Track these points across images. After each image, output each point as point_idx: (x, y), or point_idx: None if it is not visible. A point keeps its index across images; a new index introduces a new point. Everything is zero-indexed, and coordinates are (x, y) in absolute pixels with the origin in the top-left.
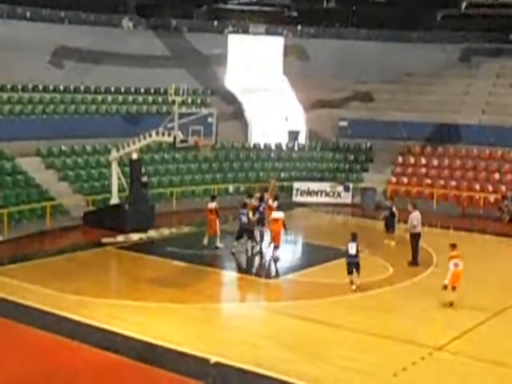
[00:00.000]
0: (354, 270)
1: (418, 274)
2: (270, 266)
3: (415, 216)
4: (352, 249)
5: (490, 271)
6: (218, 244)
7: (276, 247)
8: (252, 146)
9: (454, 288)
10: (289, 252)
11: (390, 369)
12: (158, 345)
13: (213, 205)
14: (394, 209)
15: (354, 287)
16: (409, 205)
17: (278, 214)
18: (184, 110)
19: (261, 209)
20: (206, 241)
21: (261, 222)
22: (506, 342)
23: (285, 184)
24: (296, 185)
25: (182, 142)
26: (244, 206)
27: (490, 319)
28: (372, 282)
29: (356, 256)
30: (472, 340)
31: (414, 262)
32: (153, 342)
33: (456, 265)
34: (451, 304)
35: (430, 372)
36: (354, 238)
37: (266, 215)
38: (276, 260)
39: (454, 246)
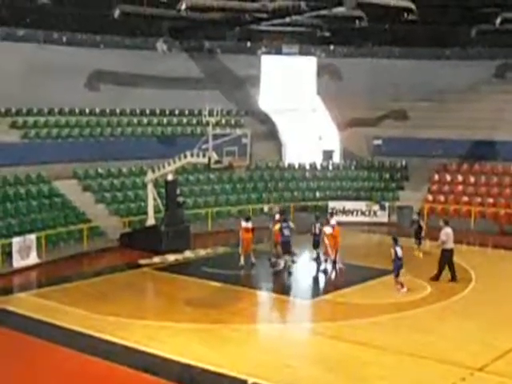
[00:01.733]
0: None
1: (456, 292)
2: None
3: (445, 232)
4: (399, 252)
5: None
6: (253, 259)
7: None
8: (286, 165)
9: None
10: (325, 272)
11: None
12: (196, 366)
13: (249, 224)
14: (422, 223)
15: (405, 289)
16: (441, 221)
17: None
18: (218, 131)
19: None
20: (242, 260)
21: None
22: None
23: (319, 203)
24: (331, 204)
25: (217, 162)
26: (285, 219)
27: None
28: (410, 301)
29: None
30: None
31: (437, 276)
32: (190, 363)
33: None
34: None
35: None
36: (396, 241)
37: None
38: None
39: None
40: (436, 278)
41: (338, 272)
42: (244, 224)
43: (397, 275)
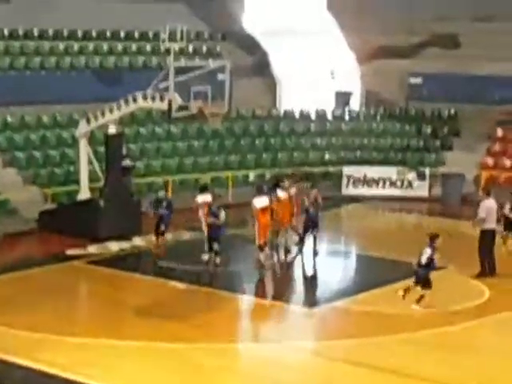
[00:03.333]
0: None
1: None
2: None
3: (485, 206)
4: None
5: None
6: (204, 256)
7: None
8: (282, 114)
9: None
10: (338, 269)
11: None
12: None
13: (207, 197)
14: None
15: (418, 307)
16: (480, 190)
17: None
18: (183, 62)
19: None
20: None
21: None
22: None
23: (330, 169)
24: (347, 170)
25: (181, 109)
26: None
27: None
28: (458, 311)
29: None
30: None
31: (482, 271)
32: None
33: None
34: None
35: None
36: (434, 239)
37: None
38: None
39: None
40: (482, 273)
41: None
42: (200, 198)
43: (421, 283)
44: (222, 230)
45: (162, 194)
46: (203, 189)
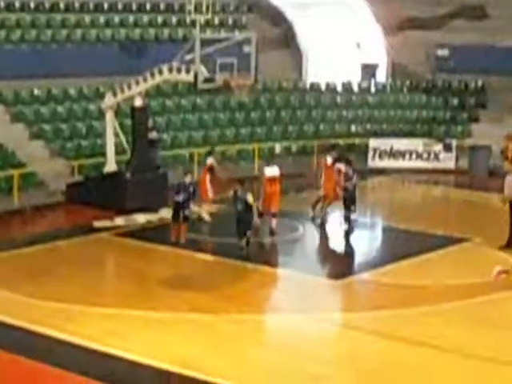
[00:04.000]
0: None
1: None
2: None
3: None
4: None
5: None
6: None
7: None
8: (308, 86)
9: None
10: (364, 241)
11: None
12: (176, 373)
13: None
14: None
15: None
16: (505, 163)
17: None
18: (209, 34)
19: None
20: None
21: None
22: None
23: (356, 142)
24: (373, 143)
25: (207, 81)
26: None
27: None
28: (487, 282)
29: None
30: None
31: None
32: (168, 368)
33: None
34: None
35: None
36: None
37: None
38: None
39: None
40: (508, 243)
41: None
42: (210, 160)
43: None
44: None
45: (188, 179)
46: (209, 152)
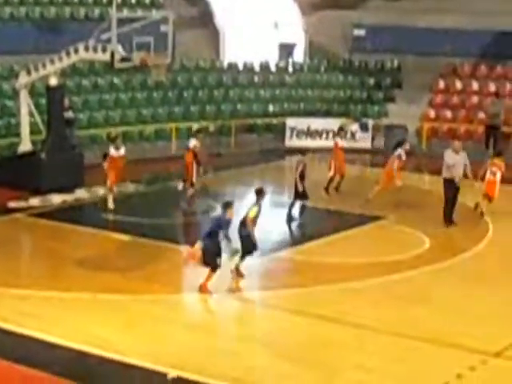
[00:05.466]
0: None
1: (466, 248)
2: None
3: (447, 154)
4: None
5: None
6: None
7: None
8: (226, 65)
9: (488, 198)
10: (280, 220)
11: None
12: (92, 354)
13: (121, 151)
14: None
15: None
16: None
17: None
18: (126, 13)
19: None
20: (111, 202)
21: None
22: None
23: (274, 121)
24: (290, 122)
25: (124, 60)
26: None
27: None
28: (399, 261)
29: None
30: None
31: (447, 219)
32: (84, 349)
33: (493, 174)
34: (481, 213)
35: None
36: None
37: None
38: None
39: (498, 155)
40: (448, 220)
41: None
42: (113, 152)
43: None
44: None
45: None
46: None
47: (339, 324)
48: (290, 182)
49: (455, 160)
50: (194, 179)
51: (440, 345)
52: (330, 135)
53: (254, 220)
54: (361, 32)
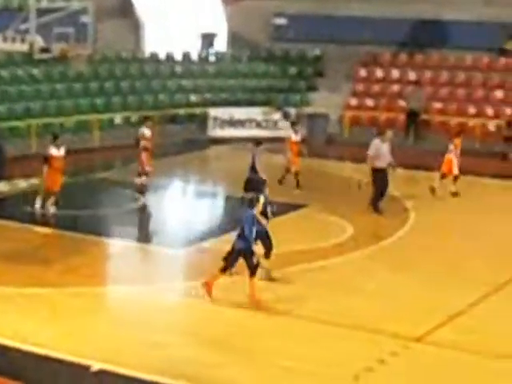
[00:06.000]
0: None
1: (388, 234)
2: None
3: (373, 144)
4: None
5: (488, 229)
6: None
7: None
8: (147, 56)
9: (442, 175)
10: (205, 210)
11: (350, 370)
12: (15, 347)
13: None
14: None
15: None
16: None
17: None
18: (45, 3)
19: None
20: (39, 203)
21: None
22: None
23: (196, 111)
24: (213, 112)
25: (43, 51)
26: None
27: (489, 296)
28: (323, 248)
29: None
30: (464, 326)
31: (375, 207)
32: (7, 343)
33: (450, 152)
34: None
35: (403, 373)
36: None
37: None
38: None
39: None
40: (375, 208)
41: None
42: (55, 151)
43: None
44: None
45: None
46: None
47: (265, 312)
48: (215, 172)
49: (384, 149)
50: (146, 167)
51: (363, 331)
52: (253, 124)
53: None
54: (282, 21)
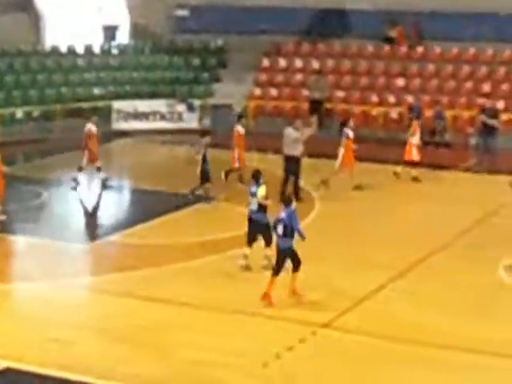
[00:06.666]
0: None
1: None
2: None
3: (288, 132)
4: None
5: (389, 216)
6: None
7: None
8: (48, 49)
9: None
10: (110, 204)
11: (259, 358)
12: None
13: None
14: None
15: None
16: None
17: None
18: None
19: None
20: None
21: None
22: (414, 312)
23: (100, 104)
24: (116, 105)
25: None
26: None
27: (393, 281)
28: (228, 239)
29: None
30: (370, 311)
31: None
32: None
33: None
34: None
35: (312, 358)
36: None
37: None
38: None
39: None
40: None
41: None
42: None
43: None
44: None
45: None
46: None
47: (171, 304)
48: (119, 165)
49: (295, 137)
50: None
51: (271, 318)
52: (158, 117)
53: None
54: (184, 12)
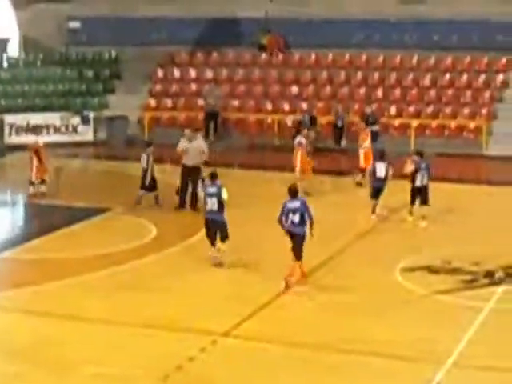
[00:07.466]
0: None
1: (193, 233)
2: None
3: (182, 142)
4: (381, 170)
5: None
6: None
7: None
8: None
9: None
10: (5, 219)
11: (158, 371)
12: None
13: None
14: None
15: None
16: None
17: None
18: None
19: None
20: None
21: None
22: (314, 315)
23: None
24: (9, 119)
25: None
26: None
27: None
28: (127, 250)
29: (385, 179)
30: (269, 317)
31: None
32: None
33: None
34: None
35: (213, 368)
36: (382, 156)
37: None
38: None
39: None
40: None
41: None
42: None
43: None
44: None
45: None
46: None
47: (68, 319)
48: (12, 180)
49: (189, 147)
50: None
51: (169, 330)
52: (51, 130)
53: None
54: (76, 24)
